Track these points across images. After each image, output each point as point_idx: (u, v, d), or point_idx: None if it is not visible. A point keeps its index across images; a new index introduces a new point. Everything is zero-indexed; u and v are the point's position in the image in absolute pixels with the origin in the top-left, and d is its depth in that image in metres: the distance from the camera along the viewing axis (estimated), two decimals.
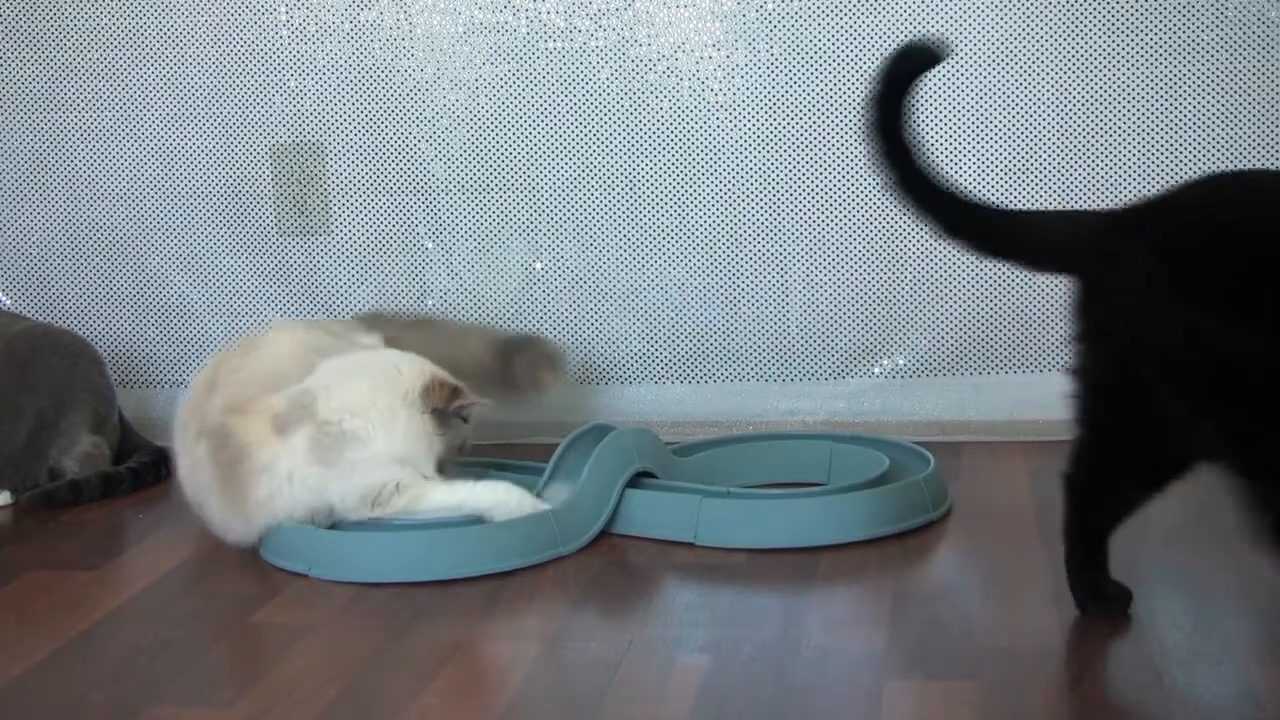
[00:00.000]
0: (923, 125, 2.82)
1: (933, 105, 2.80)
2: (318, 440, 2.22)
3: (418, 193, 2.94)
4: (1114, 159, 2.75)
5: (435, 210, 2.94)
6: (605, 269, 2.92)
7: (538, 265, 2.93)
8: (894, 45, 2.84)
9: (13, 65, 2.99)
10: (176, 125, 2.97)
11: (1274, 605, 2.04)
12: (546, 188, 2.90)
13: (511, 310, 2.94)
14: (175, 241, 3.01)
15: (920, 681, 1.81)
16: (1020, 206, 2.76)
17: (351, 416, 2.23)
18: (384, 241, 2.97)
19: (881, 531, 2.27)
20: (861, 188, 2.82)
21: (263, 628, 2.05)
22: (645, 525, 2.31)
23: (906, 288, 2.84)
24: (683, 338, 2.92)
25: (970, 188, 2.79)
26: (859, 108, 2.84)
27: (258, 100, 2.94)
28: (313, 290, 2.99)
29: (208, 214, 2.99)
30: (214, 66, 2.94)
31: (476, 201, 2.93)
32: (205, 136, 2.97)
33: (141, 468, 2.67)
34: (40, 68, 2.98)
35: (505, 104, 2.89)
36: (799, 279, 2.87)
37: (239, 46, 2.93)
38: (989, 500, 2.46)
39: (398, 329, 2.59)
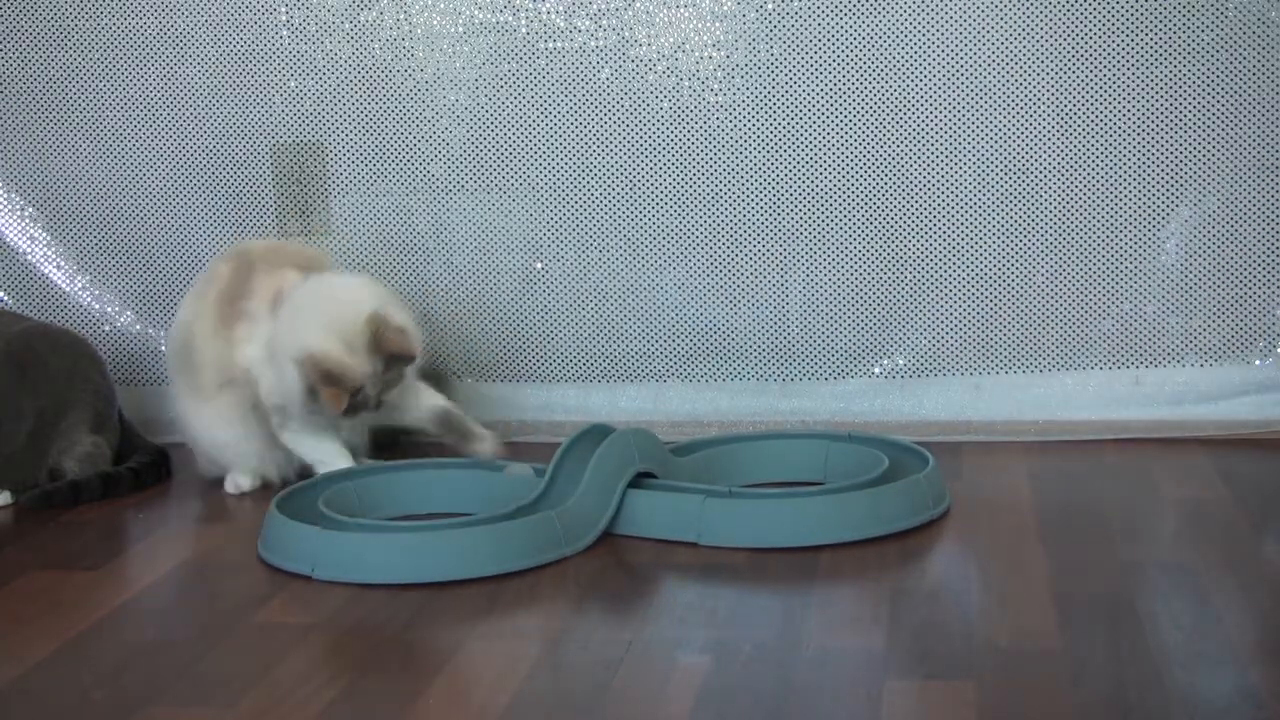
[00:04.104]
0: (923, 125, 2.83)
1: (933, 105, 2.81)
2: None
3: (418, 193, 2.94)
4: (1114, 159, 2.75)
5: (435, 210, 2.94)
6: (605, 269, 2.91)
7: (538, 265, 2.93)
8: (894, 45, 2.85)
9: (13, 65, 2.98)
10: (176, 125, 2.96)
11: (1274, 605, 2.05)
12: (546, 188, 2.90)
13: (512, 310, 2.94)
14: (175, 241, 3.01)
15: (920, 681, 1.81)
16: (1020, 206, 2.79)
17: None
18: (384, 241, 2.96)
19: (886, 529, 2.27)
20: (861, 188, 2.82)
21: (263, 628, 2.05)
22: (649, 526, 2.32)
23: (906, 288, 2.84)
24: (683, 337, 2.92)
25: (970, 188, 2.81)
26: (859, 108, 2.85)
27: (258, 100, 2.94)
28: None
29: (208, 214, 2.99)
30: (214, 66, 2.94)
31: (476, 201, 2.93)
32: (205, 136, 2.96)
33: (141, 468, 2.66)
34: (40, 68, 2.98)
35: (505, 104, 2.89)
36: (799, 279, 2.87)
37: (239, 46, 2.93)
38: (989, 500, 2.46)
39: None
